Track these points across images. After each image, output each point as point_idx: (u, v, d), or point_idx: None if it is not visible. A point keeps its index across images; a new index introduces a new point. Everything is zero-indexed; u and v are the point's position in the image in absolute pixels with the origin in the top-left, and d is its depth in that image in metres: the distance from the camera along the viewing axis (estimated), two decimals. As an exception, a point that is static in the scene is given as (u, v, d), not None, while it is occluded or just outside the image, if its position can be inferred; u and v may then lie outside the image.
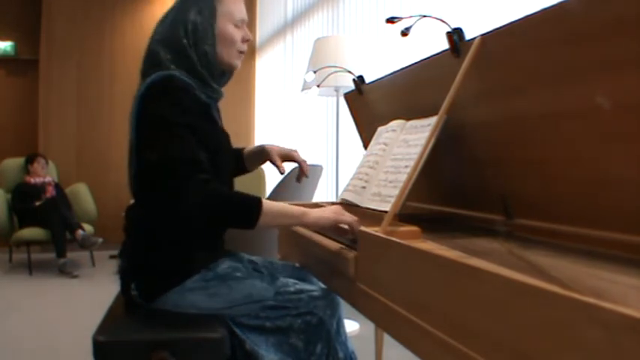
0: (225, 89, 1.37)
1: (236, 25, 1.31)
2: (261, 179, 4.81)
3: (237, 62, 1.33)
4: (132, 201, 1.31)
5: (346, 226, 1.16)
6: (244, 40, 1.33)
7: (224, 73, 1.34)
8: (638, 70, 0.74)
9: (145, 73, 1.26)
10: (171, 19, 1.27)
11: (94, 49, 5.30)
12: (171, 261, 1.22)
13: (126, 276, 1.26)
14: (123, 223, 1.31)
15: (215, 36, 1.27)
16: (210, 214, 1.11)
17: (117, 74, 5.33)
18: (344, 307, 1.30)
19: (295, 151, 1.50)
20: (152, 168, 1.16)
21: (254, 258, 1.45)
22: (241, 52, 1.33)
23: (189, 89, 1.20)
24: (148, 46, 1.29)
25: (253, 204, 1.12)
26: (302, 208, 1.17)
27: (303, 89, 3.01)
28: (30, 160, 4.62)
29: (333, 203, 1.57)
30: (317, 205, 1.50)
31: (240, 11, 1.32)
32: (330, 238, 1.28)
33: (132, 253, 1.26)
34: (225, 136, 1.36)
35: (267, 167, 5.03)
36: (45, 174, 4.64)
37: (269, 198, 2.64)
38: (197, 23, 1.25)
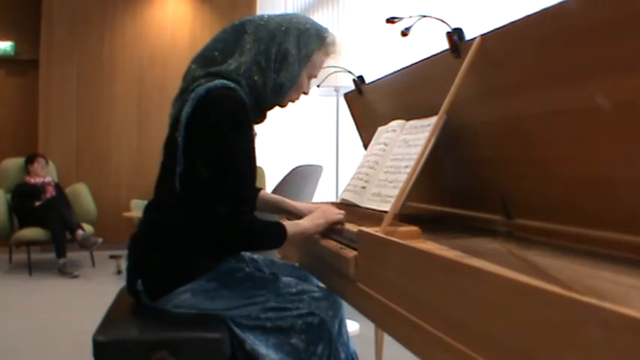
0: None
1: (309, 78, 1.33)
2: (261, 178, 4.82)
3: (285, 106, 1.36)
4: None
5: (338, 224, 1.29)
6: (303, 93, 1.36)
7: (272, 105, 1.35)
8: (638, 70, 0.74)
9: (207, 62, 1.25)
10: (270, 33, 1.25)
11: (94, 49, 5.29)
12: (181, 261, 1.22)
13: (133, 272, 1.25)
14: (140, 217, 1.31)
15: (294, 78, 1.28)
16: (246, 245, 1.25)
17: (117, 74, 5.33)
18: (344, 307, 1.30)
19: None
20: (201, 183, 1.16)
21: (255, 256, 1.45)
22: (293, 101, 1.36)
23: (247, 108, 1.21)
24: (240, 43, 1.26)
25: (281, 234, 1.23)
26: (301, 224, 1.29)
27: (303, 89, 3.01)
28: (30, 160, 4.61)
29: (333, 203, 1.57)
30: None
31: (320, 69, 1.35)
32: (330, 237, 1.28)
33: (143, 249, 1.26)
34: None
35: (267, 167, 5.05)
36: (45, 174, 4.64)
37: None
38: (290, 55, 1.25)
